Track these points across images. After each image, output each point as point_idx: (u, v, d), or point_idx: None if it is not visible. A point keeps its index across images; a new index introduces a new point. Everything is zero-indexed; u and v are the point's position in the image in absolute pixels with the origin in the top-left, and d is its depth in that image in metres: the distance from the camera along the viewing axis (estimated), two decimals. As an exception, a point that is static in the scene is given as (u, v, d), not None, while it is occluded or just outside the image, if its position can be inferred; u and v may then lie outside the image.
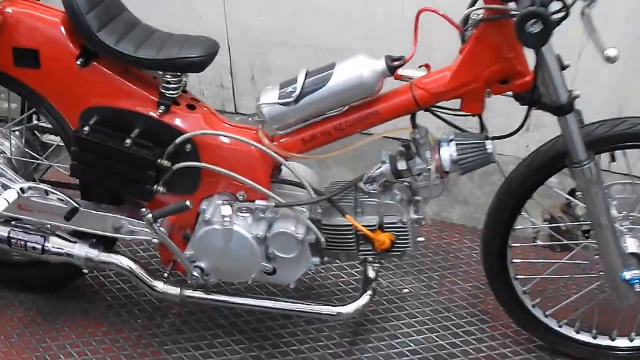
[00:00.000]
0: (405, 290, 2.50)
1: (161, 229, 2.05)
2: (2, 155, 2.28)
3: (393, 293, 2.49)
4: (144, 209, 2.02)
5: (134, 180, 2.05)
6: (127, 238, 2.18)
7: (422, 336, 2.32)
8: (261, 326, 2.37)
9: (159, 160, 2.02)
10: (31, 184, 2.18)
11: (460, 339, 2.30)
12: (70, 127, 2.10)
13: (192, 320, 2.41)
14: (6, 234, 2.24)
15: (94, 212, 2.16)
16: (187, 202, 1.97)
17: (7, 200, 2.11)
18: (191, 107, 2.09)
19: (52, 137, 2.39)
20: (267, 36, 3.24)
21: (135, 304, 2.47)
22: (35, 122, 2.40)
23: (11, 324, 2.43)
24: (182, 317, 2.42)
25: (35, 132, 2.40)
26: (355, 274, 2.57)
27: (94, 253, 2.21)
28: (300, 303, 2.16)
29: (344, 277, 2.55)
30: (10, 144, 2.30)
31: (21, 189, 2.15)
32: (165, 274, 2.20)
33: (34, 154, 2.36)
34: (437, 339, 2.31)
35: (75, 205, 2.14)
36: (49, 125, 2.35)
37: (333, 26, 3.10)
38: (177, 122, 2.04)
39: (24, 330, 2.40)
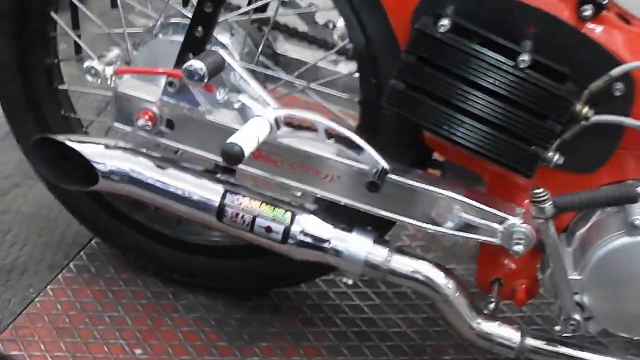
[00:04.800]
0: None
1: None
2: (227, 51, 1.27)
3: None
4: (540, 190, 1.08)
5: (513, 132, 1.12)
6: (455, 235, 1.20)
7: None
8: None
9: (576, 104, 1.10)
10: (294, 111, 1.21)
11: None
12: (391, 23, 1.17)
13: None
14: (218, 198, 1.27)
15: (408, 180, 1.20)
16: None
17: (257, 137, 1.16)
18: (624, 20, 1.17)
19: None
20: None
21: (383, 338, 1.50)
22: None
23: (172, 342, 1.46)
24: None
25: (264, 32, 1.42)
26: None
27: (382, 254, 1.24)
28: None
29: None
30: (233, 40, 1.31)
31: (276, 119, 1.20)
32: (491, 305, 1.27)
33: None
34: None
35: (384, 165, 1.19)
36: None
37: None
38: (611, 40, 1.12)
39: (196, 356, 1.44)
